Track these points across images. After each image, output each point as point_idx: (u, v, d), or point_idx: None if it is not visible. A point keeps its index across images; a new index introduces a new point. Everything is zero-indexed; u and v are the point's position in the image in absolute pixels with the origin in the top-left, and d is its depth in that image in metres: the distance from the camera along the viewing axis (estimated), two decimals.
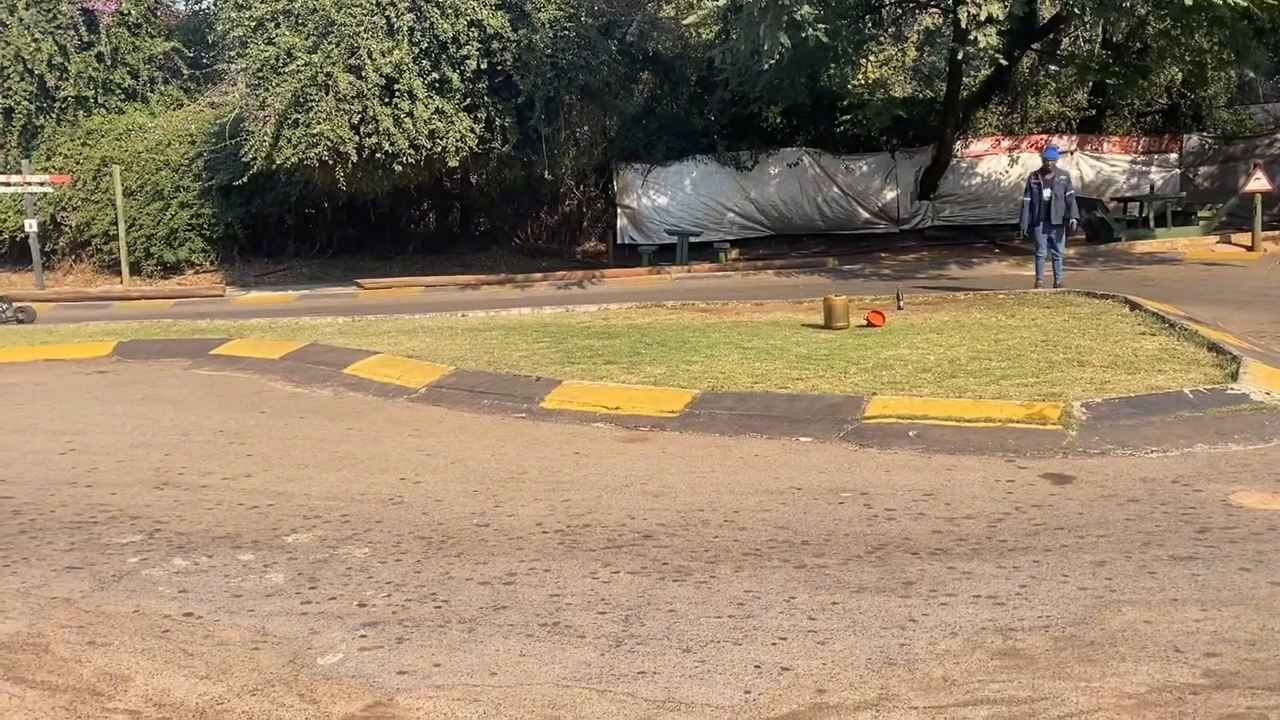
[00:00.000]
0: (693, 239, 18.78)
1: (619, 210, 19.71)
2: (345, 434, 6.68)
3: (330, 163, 16.25)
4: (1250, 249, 16.06)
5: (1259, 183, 16.25)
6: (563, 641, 3.48)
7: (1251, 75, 19.09)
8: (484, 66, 16.41)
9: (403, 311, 12.99)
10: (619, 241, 19.73)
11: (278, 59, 16.48)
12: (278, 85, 16.34)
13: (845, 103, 19.00)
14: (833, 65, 18.01)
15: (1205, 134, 19.98)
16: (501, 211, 21.74)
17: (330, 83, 16.07)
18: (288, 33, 16.49)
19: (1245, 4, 12.72)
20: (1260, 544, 4.09)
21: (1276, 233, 17.26)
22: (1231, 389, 6.30)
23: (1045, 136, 19.73)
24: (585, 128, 19.29)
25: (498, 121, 16.89)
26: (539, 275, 17.38)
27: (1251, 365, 6.84)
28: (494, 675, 3.26)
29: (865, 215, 19.74)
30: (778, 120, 19.62)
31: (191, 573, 4.23)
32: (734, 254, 18.82)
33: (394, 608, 3.82)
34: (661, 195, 19.59)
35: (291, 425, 6.99)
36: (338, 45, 16.19)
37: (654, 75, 20.21)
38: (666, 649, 3.39)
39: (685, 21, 16.13)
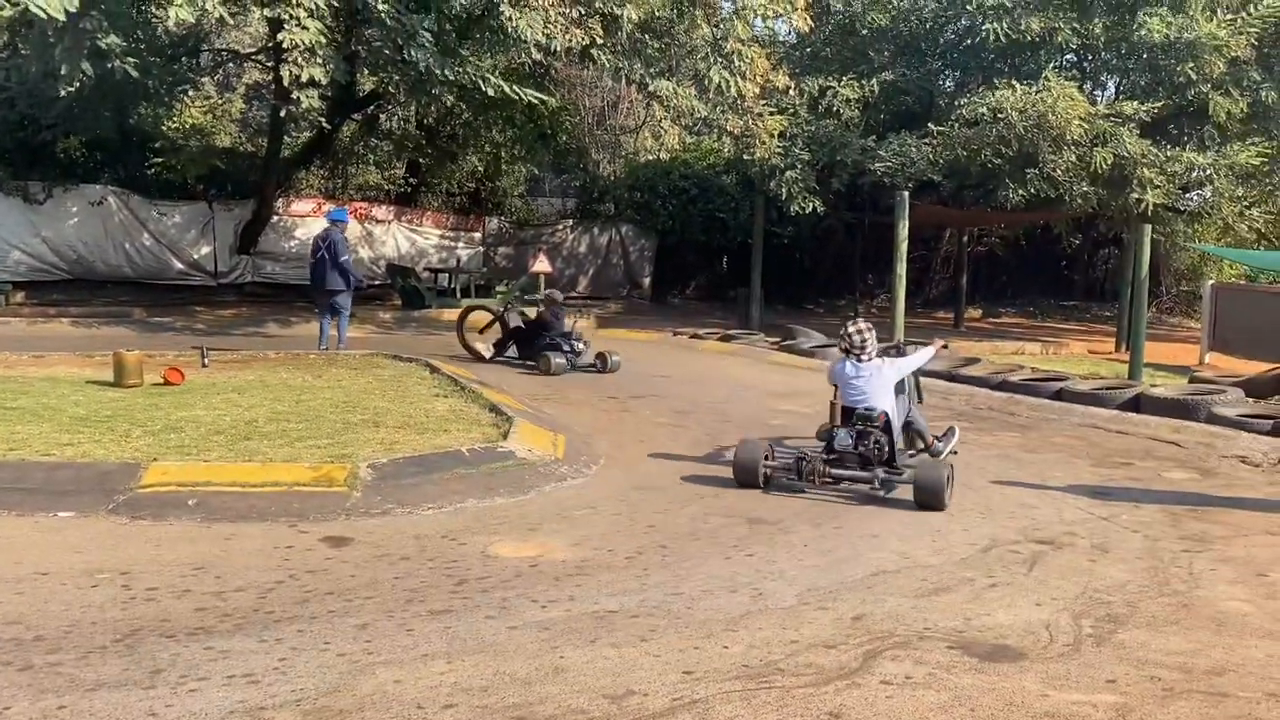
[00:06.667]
0: None
1: None
2: None
3: None
4: None
5: (542, 265, 18.69)
6: None
7: (538, 172, 22.03)
8: None
9: None
10: None
11: None
12: None
13: (159, 145, 17.76)
14: (145, 103, 16.75)
15: (504, 218, 22.50)
16: None
17: None
18: None
19: (534, 102, 14.61)
20: (506, 590, 4.51)
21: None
22: (502, 447, 6.98)
23: (367, 204, 20.54)
24: None
25: None
26: None
27: (521, 425, 7.68)
28: None
29: (180, 266, 18.56)
30: (79, 153, 17.60)
31: None
32: (19, 297, 16.33)
33: None
34: None
35: None
36: None
37: None
38: None
39: None
